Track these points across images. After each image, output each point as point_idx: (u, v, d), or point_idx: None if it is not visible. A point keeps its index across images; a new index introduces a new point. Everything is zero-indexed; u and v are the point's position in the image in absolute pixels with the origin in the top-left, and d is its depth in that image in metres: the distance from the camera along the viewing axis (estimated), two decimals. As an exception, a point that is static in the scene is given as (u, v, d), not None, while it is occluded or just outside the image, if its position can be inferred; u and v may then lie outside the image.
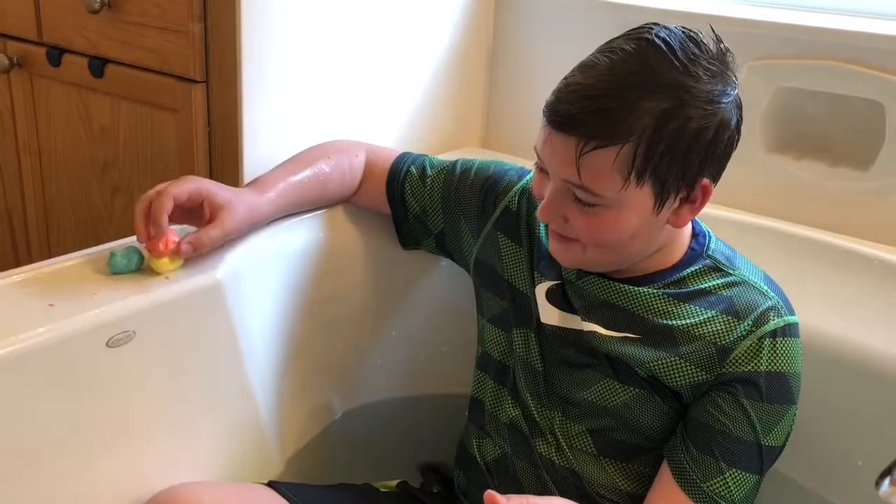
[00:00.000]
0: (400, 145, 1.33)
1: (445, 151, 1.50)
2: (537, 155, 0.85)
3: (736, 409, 0.85)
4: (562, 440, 0.93)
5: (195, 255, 0.96)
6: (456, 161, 1.12)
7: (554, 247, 0.90)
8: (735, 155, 1.30)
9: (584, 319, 0.92)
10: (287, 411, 1.13)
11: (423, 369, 1.28)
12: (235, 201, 0.98)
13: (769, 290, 0.89)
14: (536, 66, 1.51)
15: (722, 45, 0.82)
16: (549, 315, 0.95)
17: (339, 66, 1.28)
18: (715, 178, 0.84)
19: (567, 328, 0.94)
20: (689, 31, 0.81)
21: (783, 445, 0.88)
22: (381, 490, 1.07)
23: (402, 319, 1.25)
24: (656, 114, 0.77)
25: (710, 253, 0.91)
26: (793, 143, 1.32)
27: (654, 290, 0.89)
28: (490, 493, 0.73)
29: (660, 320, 0.88)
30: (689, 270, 0.90)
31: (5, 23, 1.41)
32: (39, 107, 1.43)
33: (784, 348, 0.86)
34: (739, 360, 0.85)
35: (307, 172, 1.09)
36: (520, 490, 0.95)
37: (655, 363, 0.88)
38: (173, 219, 0.94)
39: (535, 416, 0.95)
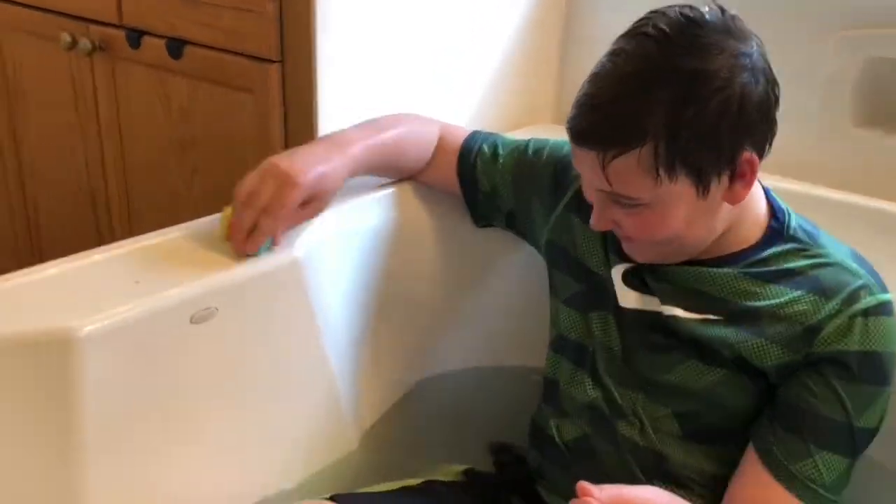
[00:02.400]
0: (472, 122, 1.33)
1: (517, 128, 1.49)
2: (576, 167, 0.86)
3: (826, 389, 0.82)
4: (646, 422, 0.92)
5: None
6: (528, 140, 1.11)
7: (625, 247, 0.91)
8: (822, 130, 1.27)
9: (662, 302, 0.90)
10: (362, 385, 1.14)
11: (497, 342, 1.27)
12: (327, 176, 0.99)
13: (859, 268, 0.86)
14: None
15: (726, 14, 0.80)
16: (628, 298, 0.94)
17: (413, 44, 1.28)
18: (758, 148, 0.81)
19: (647, 310, 0.92)
20: (688, 9, 0.80)
21: (877, 428, 0.84)
22: (446, 482, 1.07)
23: (475, 295, 1.25)
24: (668, 107, 0.76)
25: (791, 232, 0.88)
26: (884, 116, 1.27)
27: (736, 271, 0.87)
28: (583, 485, 0.72)
29: (743, 301, 0.86)
30: (772, 250, 0.87)
31: (88, 7, 1.44)
32: (120, 89, 1.46)
33: (877, 327, 0.83)
34: (829, 340, 0.82)
35: (388, 135, 1.08)
36: (601, 471, 0.94)
37: (741, 344, 0.85)
38: None
39: (617, 397, 0.94)
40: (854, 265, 0.86)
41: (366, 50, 1.21)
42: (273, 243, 0.96)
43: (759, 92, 0.79)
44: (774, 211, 0.89)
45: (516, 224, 1.12)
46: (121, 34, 1.39)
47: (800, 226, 0.89)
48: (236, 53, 1.24)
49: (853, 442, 0.83)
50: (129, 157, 1.50)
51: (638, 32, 0.80)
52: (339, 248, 1.08)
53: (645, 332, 0.92)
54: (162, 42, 1.33)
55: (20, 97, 1.69)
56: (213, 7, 1.23)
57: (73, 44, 1.46)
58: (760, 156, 0.82)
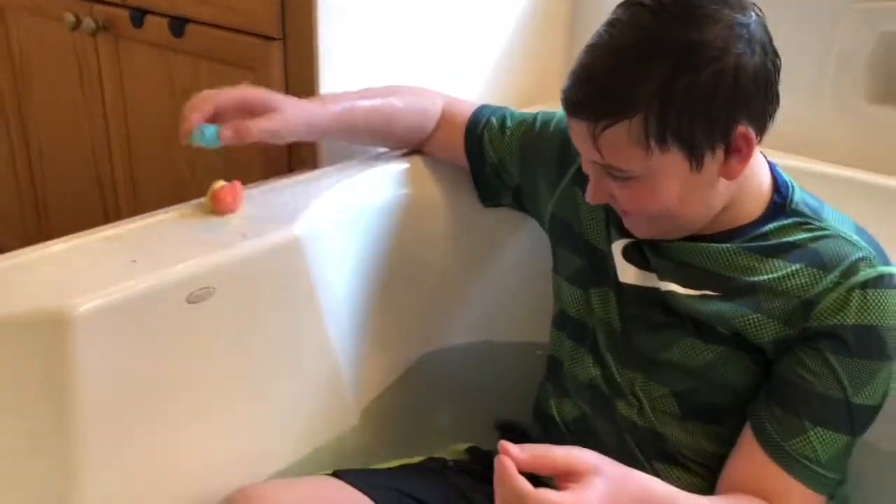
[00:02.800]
0: (480, 99, 1.30)
1: (526, 106, 1.47)
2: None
3: (821, 364, 0.81)
4: (644, 402, 0.91)
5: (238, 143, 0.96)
6: (537, 113, 1.10)
7: (625, 222, 0.90)
8: (834, 105, 1.25)
9: (660, 278, 0.89)
10: (364, 362, 1.14)
11: (502, 318, 1.26)
12: (287, 104, 1.00)
13: (860, 241, 0.84)
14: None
15: None
16: (627, 273, 0.93)
17: (418, 20, 1.26)
18: (755, 121, 0.79)
19: (645, 286, 0.91)
20: None
21: (879, 405, 0.83)
22: (448, 460, 1.06)
23: (480, 271, 1.24)
24: (660, 78, 0.75)
25: (793, 206, 0.86)
26: (898, 92, 1.24)
27: (735, 246, 0.86)
28: (503, 444, 0.70)
29: (741, 276, 0.85)
30: (773, 225, 0.86)
31: (91, -14, 1.43)
32: (125, 69, 1.45)
33: (876, 300, 0.81)
34: (825, 314, 0.81)
35: (376, 101, 1.09)
36: (600, 451, 0.93)
37: (738, 320, 0.84)
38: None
39: (616, 376, 0.93)
40: (855, 237, 0.84)
41: (369, 26, 1.20)
42: (215, 141, 0.94)
43: (756, 63, 0.77)
44: (778, 185, 0.87)
45: (522, 199, 1.11)
46: (124, 13, 1.38)
47: (803, 200, 0.87)
48: (237, 31, 1.22)
49: (850, 419, 0.81)
50: (134, 137, 1.50)
51: (634, 2, 0.78)
52: (340, 225, 1.07)
53: (644, 308, 0.91)
54: (164, 21, 1.32)
55: (27, 78, 1.68)
56: (214, -16, 1.22)
57: (77, 23, 1.45)
58: (760, 130, 0.80)
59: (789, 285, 0.83)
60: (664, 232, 0.88)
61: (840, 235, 0.84)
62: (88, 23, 1.43)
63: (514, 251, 1.23)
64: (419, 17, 1.26)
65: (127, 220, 0.97)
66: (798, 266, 0.83)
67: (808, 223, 0.85)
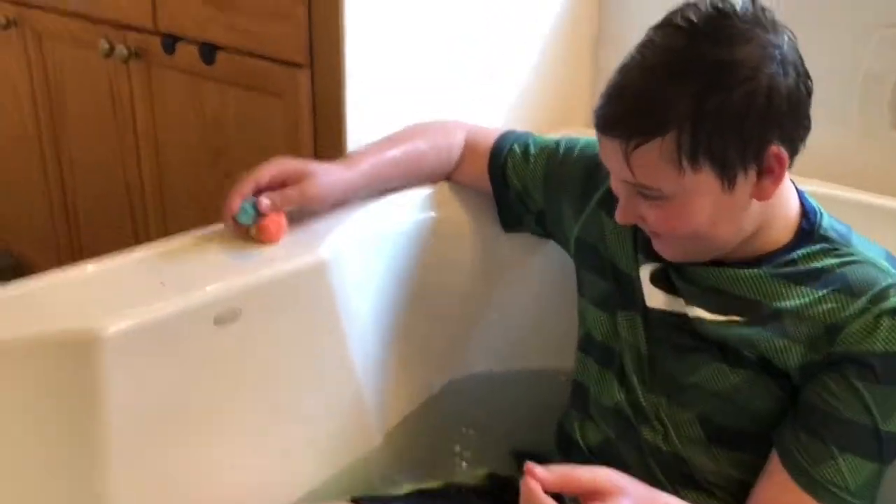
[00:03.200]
0: (504, 126, 1.31)
1: (552, 130, 1.47)
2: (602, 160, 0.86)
3: (847, 390, 0.80)
4: (669, 427, 0.90)
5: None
6: (560, 139, 1.11)
7: (654, 244, 0.90)
8: (861, 131, 1.24)
9: (687, 303, 0.89)
10: (387, 387, 1.14)
11: (525, 344, 1.26)
12: (319, 170, 1.02)
13: (890, 268, 0.83)
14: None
15: (757, 5, 0.79)
16: (655, 298, 0.93)
17: (444, 48, 1.28)
18: (788, 142, 0.79)
19: (673, 312, 0.91)
20: (719, 1, 0.79)
21: None
22: (467, 486, 1.06)
23: (504, 297, 1.24)
24: (692, 97, 0.76)
25: (822, 232, 0.86)
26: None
27: (763, 272, 0.85)
28: (529, 466, 0.72)
29: (769, 302, 0.84)
30: (801, 251, 0.85)
31: (125, 13, 1.47)
32: (156, 95, 1.48)
33: None
34: (852, 339, 0.80)
35: (401, 149, 1.11)
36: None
37: (764, 344, 0.84)
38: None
39: (642, 400, 0.92)
40: (885, 263, 0.83)
41: (395, 54, 1.21)
42: (257, 213, 0.97)
43: (789, 84, 0.77)
44: (806, 211, 0.87)
45: (546, 224, 1.11)
46: (156, 40, 1.41)
47: (831, 226, 0.87)
48: (266, 58, 1.25)
49: (879, 446, 0.80)
50: (164, 163, 1.52)
51: (667, 24, 0.79)
52: (367, 249, 1.08)
53: (671, 333, 0.91)
54: (195, 48, 1.35)
55: (61, 103, 1.72)
56: (244, 12, 1.24)
57: (111, 50, 1.49)
58: (792, 152, 0.80)
59: (817, 311, 0.82)
60: (693, 254, 0.87)
61: (869, 262, 0.83)
62: (121, 50, 1.46)
63: (538, 276, 1.23)
64: (445, 44, 1.28)
65: (156, 243, 0.99)
66: (825, 291, 0.82)
67: (836, 249, 0.85)
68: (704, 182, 0.79)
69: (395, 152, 1.11)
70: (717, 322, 0.87)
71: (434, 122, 1.18)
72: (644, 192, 0.81)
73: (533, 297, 1.24)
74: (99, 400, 0.83)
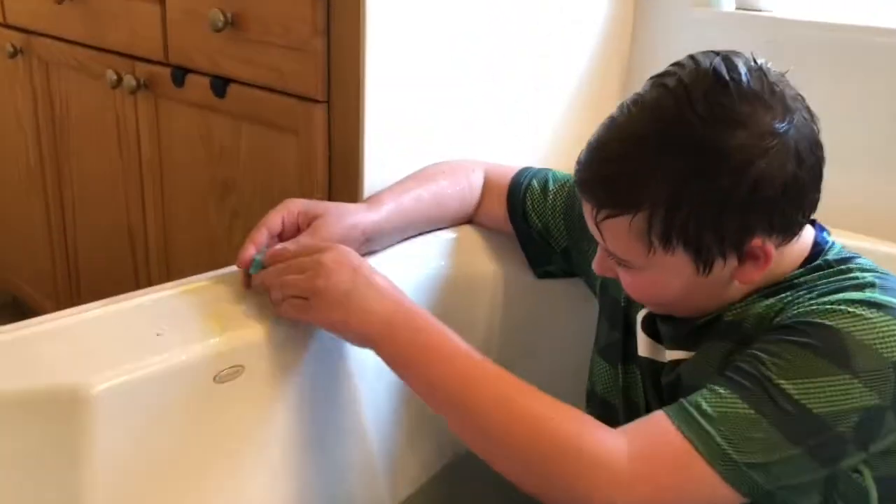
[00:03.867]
0: (536, 164, 1.25)
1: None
2: None
3: (746, 356, 0.72)
4: None
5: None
6: None
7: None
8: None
9: (667, 346, 0.84)
10: (400, 453, 1.05)
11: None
12: (333, 212, 0.94)
13: (874, 276, 0.74)
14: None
15: (767, 76, 0.71)
16: (643, 345, 0.89)
17: (469, 87, 1.21)
18: (777, 231, 0.73)
19: (655, 360, 0.87)
20: (725, 64, 0.71)
21: (832, 418, 0.67)
22: None
23: (530, 356, 1.15)
24: (672, 177, 0.70)
25: (824, 258, 0.79)
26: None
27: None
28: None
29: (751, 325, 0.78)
30: (796, 272, 0.79)
31: (134, 44, 1.41)
32: (163, 127, 1.42)
33: (859, 314, 0.69)
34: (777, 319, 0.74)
35: (424, 189, 1.05)
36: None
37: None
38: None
39: None
40: (868, 275, 0.74)
41: (419, 90, 1.15)
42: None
43: (787, 174, 0.70)
44: (817, 241, 0.80)
45: (572, 263, 1.06)
46: (166, 72, 1.35)
47: (838, 253, 0.79)
48: (281, 93, 1.18)
49: (768, 396, 0.68)
50: (168, 200, 1.45)
51: (661, 83, 0.73)
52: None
53: (657, 384, 0.86)
54: (206, 80, 1.28)
55: (66, 134, 1.66)
56: (259, 44, 1.18)
57: (119, 81, 1.43)
58: (785, 236, 0.74)
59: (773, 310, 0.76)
60: (677, 313, 0.83)
61: (851, 274, 0.75)
62: (129, 80, 1.40)
63: (567, 333, 1.15)
64: (471, 83, 1.21)
65: (156, 288, 0.91)
66: (786, 294, 0.76)
67: (827, 268, 0.77)
68: (676, 264, 0.74)
69: (418, 191, 1.04)
70: (691, 359, 0.81)
71: (452, 161, 1.12)
72: (614, 258, 0.78)
73: (560, 357, 1.15)
74: (87, 457, 0.75)
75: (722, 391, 0.70)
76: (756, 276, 0.75)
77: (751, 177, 0.69)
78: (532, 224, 1.06)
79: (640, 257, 0.75)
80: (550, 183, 1.05)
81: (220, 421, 0.82)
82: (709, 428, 0.68)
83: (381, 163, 1.12)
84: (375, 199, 1.02)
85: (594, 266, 0.83)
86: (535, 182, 1.06)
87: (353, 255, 0.82)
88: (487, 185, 1.10)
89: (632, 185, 0.72)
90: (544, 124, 1.36)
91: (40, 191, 1.77)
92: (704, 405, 0.69)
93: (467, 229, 1.10)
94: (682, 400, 0.71)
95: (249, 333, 0.83)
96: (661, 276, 0.76)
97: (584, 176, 0.76)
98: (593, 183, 0.75)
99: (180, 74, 1.33)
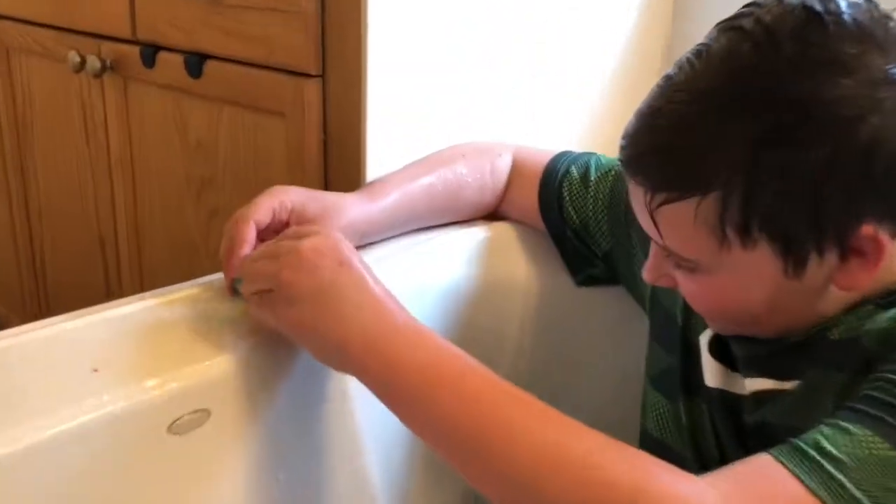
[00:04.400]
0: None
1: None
2: None
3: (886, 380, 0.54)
4: None
5: None
6: None
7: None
8: None
9: (745, 375, 0.65)
10: (412, 501, 0.85)
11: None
12: (331, 211, 0.76)
13: None
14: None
15: (879, 12, 0.54)
16: (712, 373, 0.70)
17: (491, 61, 1.02)
18: (892, 219, 0.55)
19: (730, 393, 0.67)
20: None
21: None
22: None
23: (569, 385, 0.95)
24: (752, 145, 0.53)
25: None
26: None
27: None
28: None
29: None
30: None
31: (100, 21, 1.22)
32: (133, 116, 1.23)
33: None
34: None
35: (436, 175, 0.86)
36: None
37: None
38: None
39: None
40: None
41: (433, 63, 0.95)
42: None
43: None
44: None
45: (617, 272, 0.87)
46: (134, 51, 1.16)
47: None
48: (266, 68, 0.99)
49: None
50: (140, 198, 1.26)
51: (733, 26, 0.55)
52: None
53: (736, 423, 0.67)
54: (179, 58, 1.09)
55: (28, 127, 1.47)
56: (238, 8, 0.99)
57: (82, 64, 1.24)
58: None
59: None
60: (751, 332, 0.64)
61: None
62: (94, 62, 1.21)
63: (619, 354, 0.94)
64: (494, 57, 1.01)
65: (109, 305, 0.71)
66: None
67: None
68: (758, 262, 0.57)
69: (429, 178, 0.86)
70: (785, 391, 0.62)
71: (477, 143, 0.93)
72: (674, 259, 0.61)
73: (612, 382, 0.95)
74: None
75: (851, 427, 0.52)
76: (863, 278, 0.56)
77: (860, 140, 0.52)
78: (569, 220, 0.87)
79: (709, 256, 0.58)
80: (593, 170, 0.87)
81: (176, 485, 0.61)
82: (839, 476, 0.50)
83: (386, 146, 0.93)
84: (378, 186, 0.83)
85: (645, 273, 0.66)
86: (574, 169, 0.88)
87: (342, 245, 0.62)
88: (517, 171, 0.91)
89: (698, 159, 0.55)
90: (575, 106, 1.16)
91: (3, 193, 1.58)
92: (828, 446, 0.51)
93: (502, 227, 0.91)
94: (792, 440, 0.53)
95: (220, 366, 0.62)
96: (736, 281, 0.58)
97: (633, 151, 0.59)
98: (646, 158, 0.58)
99: (150, 53, 1.14)
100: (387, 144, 0.93)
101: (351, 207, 0.78)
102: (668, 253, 0.61)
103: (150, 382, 0.59)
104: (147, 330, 0.66)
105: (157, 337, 0.65)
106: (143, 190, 1.25)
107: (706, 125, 0.54)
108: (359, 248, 0.87)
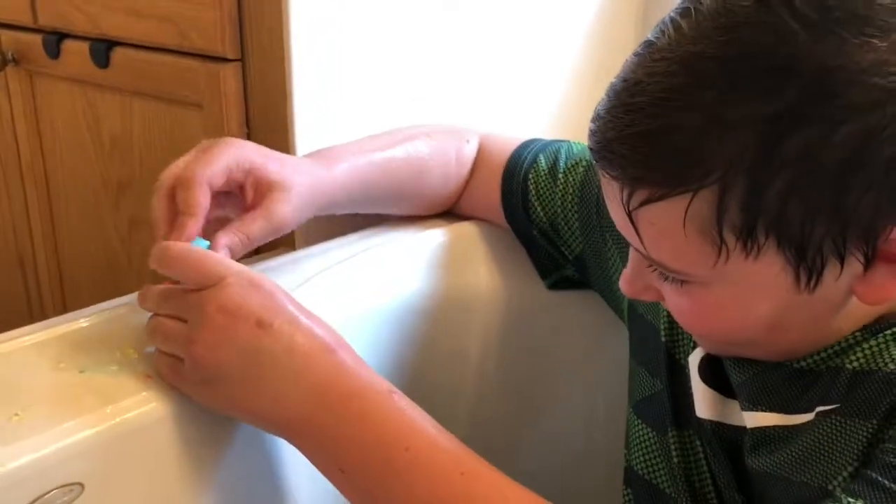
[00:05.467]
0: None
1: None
2: None
3: None
4: None
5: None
6: None
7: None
8: None
9: (745, 407, 0.54)
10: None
11: (574, 474, 0.85)
12: (293, 177, 0.65)
13: None
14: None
15: None
16: (704, 402, 0.58)
17: (441, 37, 0.89)
18: None
19: (726, 425, 0.57)
20: None
21: None
22: None
23: (541, 403, 0.83)
24: (758, 126, 0.42)
25: None
26: None
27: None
28: None
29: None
30: None
31: (-1, 7, 1.08)
32: (42, 115, 1.09)
33: None
34: None
35: (399, 150, 0.75)
36: None
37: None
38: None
39: None
40: None
41: (369, 37, 0.83)
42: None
43: None
44: None
45: (590, 277, 0.75)
46: (37, 39, 1.02)
47: None
48: (178, 53, 0.86)
49: None
50: (56, 205, 1.13)
51: None
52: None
53: (734, 463, 0.57)
54: (85, 46, 0.95)
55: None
56: (142, -14, 0.85)
57: (-19, 57, 1.09)
58: None
59: None
60: (749, 354, 0.54)
61: None
62: (-8, 54, 1.07)
63: (595, 375, 0.82)
64: (443, 32, 0.89)
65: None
66: None
67: None
68: (764, 272, 0.45)
69: (390, 152, 0.74)
70: (799, 425, 0.50)
71: (441, 125, 0.82)
72: (659, 270, 0.49)
73: (582, 408, 0.83)
74: None
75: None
76: (893, 289, 0.45)
77: (891, 123, 0.40)
78: (535, 218, 0.76)
79: (703, 266, 0.46)
80: (562, 161, 0.75)
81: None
82: None
83: (318, 141, 0.80)
84: (330, 154, 0.72)
85: (622, 284, 0.55)
86: (542, 159, 0.76)
87: (256, 294, 0.51)
88: (480, 159, 0.80)
89: (690, 146, 0.43)
90: (540, 96, 1.04)
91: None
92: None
93: (463, 228, 0.80)
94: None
95: (89, 423, 0.50)
96: (736, 296, 0.47)
97: (605, 137, 0.46)
98: (622, 146, 0.45)
99: (54, 41, 1.00)
100: (319, 138, 0.80)
101: (308, 175, 0.67)
102: (651, 263, 0.49)
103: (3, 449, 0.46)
104: (19, 373, 0.53)
105: (27, 383, 0.52)
106: (58, 199, 1.12)
107: (699, 103, 0.42)
108: (280, 252, 0.75)
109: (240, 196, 0.64)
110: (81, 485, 0.48)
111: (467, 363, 0.79)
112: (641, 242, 0.48)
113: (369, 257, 0.74)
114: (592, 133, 0.47)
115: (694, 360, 0.59)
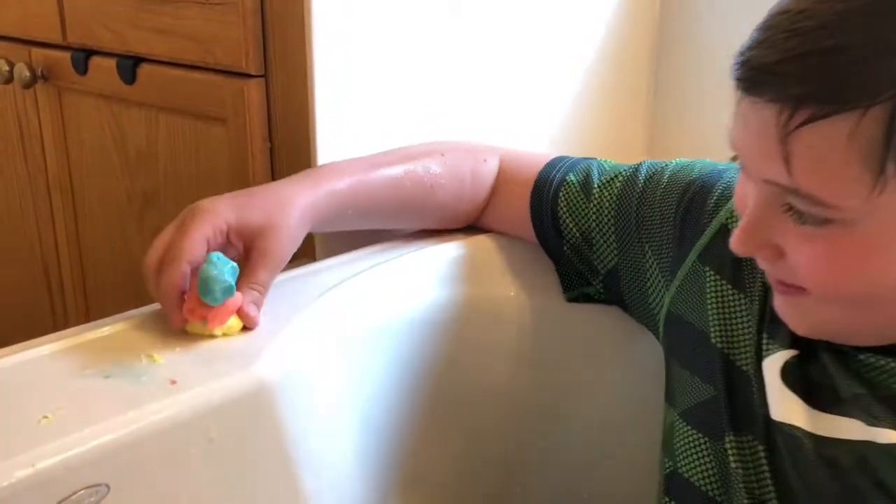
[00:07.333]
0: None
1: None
2: (732, 145, 0.50)
3: None
4: None
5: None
6: (639, 164, 0.75)
7: (778, 303, 0.54)
8: None
9: (870, 422, 0.51)
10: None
11: (595, 483, 0.85)
12: (276, 213, 0.67)
13: None
14: (707, 68, 1.09)
15: None
16: (788, 408, 0.56)
17: (458, 54, 0.91)
18: None
19: (823, 437, 0.54)
20: None
21: None
22: None
23: (567, 419, 0.83)
24: None
25: None
26: None
27: None
28: None
29: None
30: None
31: (29, 25, 1.10)
32: (69, 130, 1.11)
33: None
34: None
35: (405, 167, 0.76)
36: None
37: None
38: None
39: None
40: None
41: (391, 58, 0.85)
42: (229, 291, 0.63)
43: None
44: None
45: (621, 292, 0.75)
46: (66, 56, 1.05)
47: None
48: (203, 69, 0.88)
49: None
50: (81, 219, 1.15)
51: None
52: (344, 354, 0.69)
53: (818, 471, 0.54)
54: (112, 62, 0.98)
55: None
56: (168, 4, 0.88)
57: (10, 74, 1.12)
58: None
59: None
60: (847, 333, 0.51)
61: None
62: (22, 71, 1.09)
63: (624, 384, 0.83)
64: (463, 50, 0.91)
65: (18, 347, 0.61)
66: None
67: None
68: None
69: (394, 171, 0.75)
70: None
71: (459, 142, 0.83)
72: (800, 207, 0.46)
73: (606, 418, 0.83)
74: None
75: None
76: None
77: None
78: (566, 234, 0.76)
79: (855, 197, 0.44)
80: (595, 177, 0.76)
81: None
82: None
83: (339, 154, 0.81)
84: (327, 170, 0.74)
85: (735, 243, 0.51)
86: (571, 176, 0.77)
87: None
88: (504, 177, 0.81)
89: (862, 64, 0.42)
90: (557, 113, 1.05)
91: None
92: None
93: (481, 241, 0.81)
94: None
95: (113, 429, 0.51)
96: (882, 236, 0.46)
97: (764, 61, 0.45)
98: (788, 65, 0.44)
99: (82, 58, 1.03)
100: (340, 152, 0.81)
101: (295, 198, 0.69)
102: (792, 199, 0.47)
103: (21, 457, 0.48)
104: (38, 380, 0.55)
105: (47, 389, 0.53)
106: (84, 211, 1.14)
107: (871, 25, 0.42)
108: (300, 263, 0.77)
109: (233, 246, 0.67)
110: (108, 486, 0.49)
111: (490, 378, 0.80)
112: (789, 173, 0.46)
113: (388, 269, 0.76)
114: (743, 63, 0.46)
115: (774, 364, 0.57)
